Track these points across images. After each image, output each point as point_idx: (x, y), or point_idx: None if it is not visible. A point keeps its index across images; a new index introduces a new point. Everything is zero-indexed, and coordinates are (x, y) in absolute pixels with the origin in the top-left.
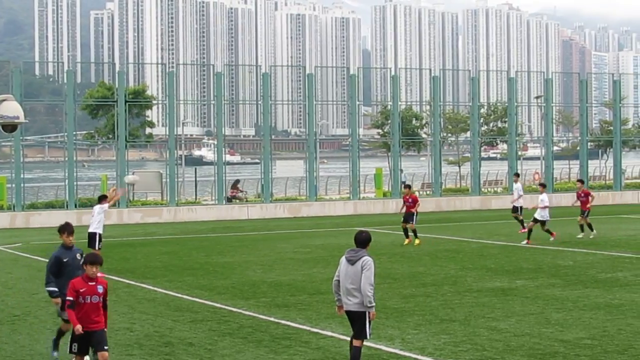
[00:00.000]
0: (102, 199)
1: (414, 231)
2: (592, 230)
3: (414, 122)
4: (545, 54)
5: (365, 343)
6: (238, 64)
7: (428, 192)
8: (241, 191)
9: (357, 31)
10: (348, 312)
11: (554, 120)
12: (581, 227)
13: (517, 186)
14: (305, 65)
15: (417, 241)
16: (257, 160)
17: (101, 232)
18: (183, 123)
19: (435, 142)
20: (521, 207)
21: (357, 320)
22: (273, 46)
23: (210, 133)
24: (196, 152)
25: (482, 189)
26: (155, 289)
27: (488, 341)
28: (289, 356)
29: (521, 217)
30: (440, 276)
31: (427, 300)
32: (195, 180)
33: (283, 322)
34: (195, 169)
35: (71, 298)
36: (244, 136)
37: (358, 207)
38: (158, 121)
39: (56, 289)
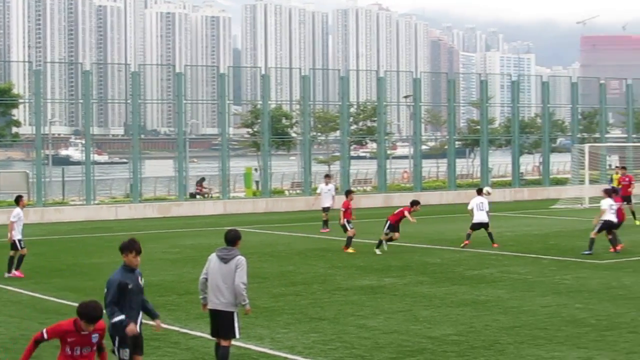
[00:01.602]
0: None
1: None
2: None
3: (283, 121)
4: (414, 53)
5: (234, 342)
6: (107, 62)
7: (298, 192)
8: (205, 188)
9: (228, 30)
10: (215, 311)
11: (422, 120)
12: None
13: (330, 187)
14: (175, 64)
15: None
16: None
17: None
18: (50, 122)
19: (305, 141)
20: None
21: (224, 320)
22: (142, 44)
23: (79, 132)
24: (63, 152)
25: (352, 188)
26: (22, 291)
27: (357, 339)
28: (157, 357)
29: (325, 218)
30: (309, 275)
31: (297, 299)
32: (63, 180)
33: (151, 322)
34: (63, 168)
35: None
36: (113, 135)
37: (228, 207)
38: (25, 120)
39: (124, 317)
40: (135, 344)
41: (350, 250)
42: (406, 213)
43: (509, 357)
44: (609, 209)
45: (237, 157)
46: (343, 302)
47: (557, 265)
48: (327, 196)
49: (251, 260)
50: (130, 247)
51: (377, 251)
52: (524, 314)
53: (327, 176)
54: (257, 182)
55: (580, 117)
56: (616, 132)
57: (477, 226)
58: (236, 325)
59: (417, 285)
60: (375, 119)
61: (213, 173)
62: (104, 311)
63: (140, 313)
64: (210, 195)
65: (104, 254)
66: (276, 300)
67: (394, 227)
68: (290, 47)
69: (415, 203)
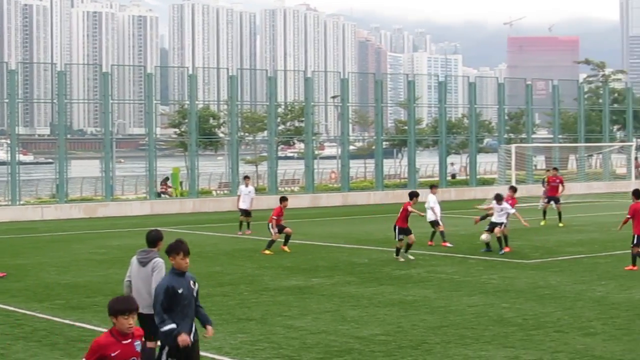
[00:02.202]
0: None
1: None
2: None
3: (211, 121)
4: (342, 54)
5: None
6: (33, 61)
7: (225, 192)
8: (170, 187)
9: (155, 29)
10: (139, 314)
11: (350, 120)
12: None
13: (250, 189)
14: (101, 63)
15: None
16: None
17: None
18: None
19: (232, 141)
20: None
21: (148, 323)
22: (69, 44)
23: (4, 132)
24: None
25: (279, 188)
26: None
27: (285, 339)
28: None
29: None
30: (237, 275)
31: (224, 299)
32: None
33: (78, 324)
34: None
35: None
36: (39, 135)
37: (155, 207)
38: None
39: (175, 325)
40: (188, 355)
41: (267, 252)
42: (410, 208)
43: (436, 356)
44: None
45: (164, 157)
46: (271, 303)
47: (484, 265)
48: (246, 199)
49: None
50: (178, 248)
51: (404, 258)
52: (451, 313)
53: (247, 178)
54: (181, 182)
55: (507, 117)
56: (542, 133)
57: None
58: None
59: (345, 285)
60: (303, 119)
61: (140, 173)
62: (155, 319)
63: (194, 322)
64: (176, 194)
65: (30, 255)
66: (203, 301)
67: (405, 231)
68: (217, 47)
69: (413, 195)
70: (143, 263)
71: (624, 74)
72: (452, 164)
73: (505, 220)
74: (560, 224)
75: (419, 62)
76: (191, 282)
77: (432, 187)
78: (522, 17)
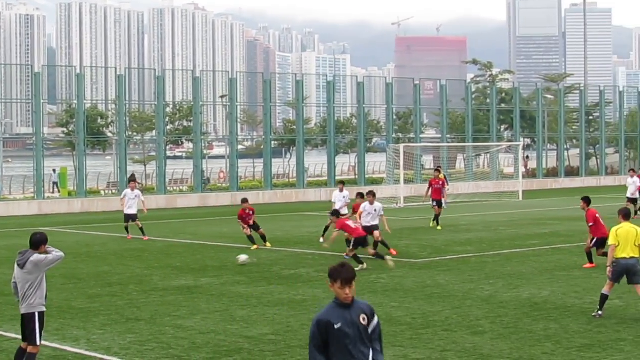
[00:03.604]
0: None
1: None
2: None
3: (99, 120)
4: (231, 53)
5: (49, 344)
6: None
7: (114, 192)
8: (139, 183)
9: (42, 28)
10: (21, 315)
11: (238, 120)
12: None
13: (137, 192)
14: None
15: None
16: None
17: None
18: None
19: (120, 141)
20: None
21: (26, 325)
22: None
23: None
24: None
25: (168, 188)
26: None
27: (174, 339)
28: None
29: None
30: (126, 275)
31: (113, 299)
32: None
33: None
34: None
35: None
36: None
37: (43, 207)
38: None
39: None
40: None
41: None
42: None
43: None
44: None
45: (52, 157)
46: (160, 303)
47: (372, 264)
48: (133, 203)
49: (67, 261)
50: (335, 274)
51: (389, 261)
52: None
53: (132, 181)
54: (55, 183)
55: (395, 117)
56: (431, 133)
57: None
58: (36, 330)
59: (234, 285)
60: (192, 118)
61: (28, 173)
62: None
63: None
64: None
65: None
66: (92, 301)
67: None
68: (105, 46)
69: (363, 195)
70: (20, 265)
71: (511, 74)
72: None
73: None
74: (439, 227)
75: (308, 62)
76: (361, 317)
77: (341, 183)
78: (410, 17)
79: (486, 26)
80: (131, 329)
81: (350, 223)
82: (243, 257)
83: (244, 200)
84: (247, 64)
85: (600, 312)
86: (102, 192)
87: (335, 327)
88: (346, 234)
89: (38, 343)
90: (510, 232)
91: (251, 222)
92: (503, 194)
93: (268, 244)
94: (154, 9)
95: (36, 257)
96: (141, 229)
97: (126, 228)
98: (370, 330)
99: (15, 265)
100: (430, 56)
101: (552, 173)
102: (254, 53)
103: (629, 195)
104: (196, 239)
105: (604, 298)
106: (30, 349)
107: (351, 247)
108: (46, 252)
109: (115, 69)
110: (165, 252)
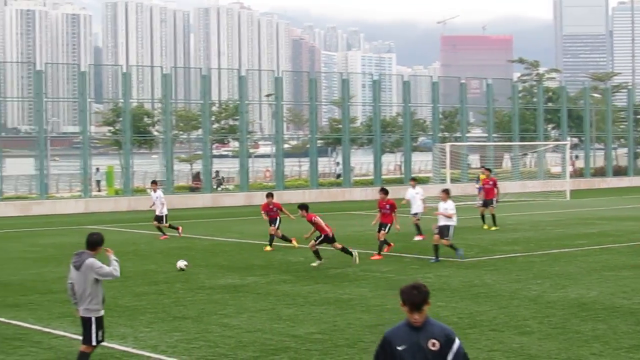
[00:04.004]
0: None
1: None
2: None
3: (145, 119)
4: (276, 52)
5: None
6: None
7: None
8: (200, 180)
9: (89, 28)
10: (80, 317)
11: (284, 118)
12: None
13: (159, 193)
14: (35, 61)
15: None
16: None
17: None
18: None
19: (166, 139)
20: (166, 215)
21: (84, 326)
22: (2, 42)
23: None
24: None
25: (214, 186)
26: None
27: (220, 337)
28: (19, 357)
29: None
30: (172, 274)
31: (160, 297)
32: None
33: (14, 322)
34: None
35: None
36: None
37: (90, 205)
38: None
39: None
40: None
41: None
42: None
43: (371, 355)
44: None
45: (98, 156)
46: (206, 301)
47: (419, 263)
48: (157, 204)
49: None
50: (405, 296)
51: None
52: (386, 312)
53: (154, 182)
54: (98, 181)
55: (441, 116)
56: (477, 132)
57: None
58: (93, 331)
59: (280, 283)
60: (237, 117)
61: (75, 171)
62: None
63: None
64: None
65: None
66: (139, 299)
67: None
68: (151, 45)
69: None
70: (76, 266)
71: (558, 72)
72: (337, 163)
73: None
74: (486, 227)
75: (353, 61)
76: (430, 342)
77: (412, 180)
78: (455, 16)
79: (532, 25)
80: (178, 327)
81: (319, 219)
82: (180, 263)
83: (269, 195)
84: (293, 62)
85: None
86: (148, 191)
87: (398, 348)
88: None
89: (93, 343)
90: (558, 231)
91: (277, 218)
92: (550, 194)
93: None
94: (199, 7)
95: (92, 261)
96: (159, 227)
97: (158, 228)
98: (449, 358)
99: (71, 266)
100: (476, 55)
101: (600, 172)
102: (299, 52)
103: None
104: (242, 237)
105: None
106: (83, 347)
107: (316, 242)
108: (106, 251)
109: (161, 67)
110: (212, 250)
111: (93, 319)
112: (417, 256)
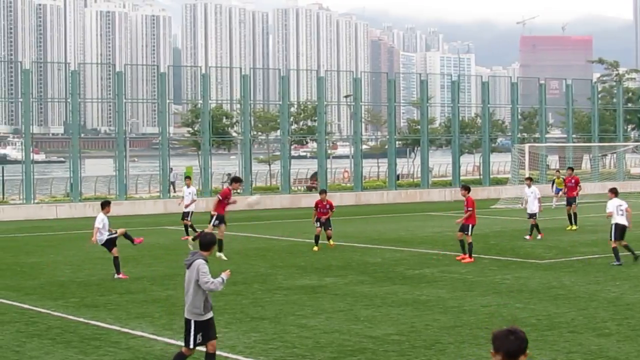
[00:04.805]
0: None
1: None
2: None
3: (224, 120)
4: (355, 53)
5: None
6: (47, 61)
7: (239, 191)
8: (317, 181)
9: (168, 29)
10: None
11: (362, 119)
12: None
13: (192, 190)
14: (115, 62)
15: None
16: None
17: None
18: None
19: (245, 140)
20: (192, 213)
21: (185, 326)
22: (82, 43)
23: (18, 131)
24: (0, 151)
25: (292, 187)
26: None
27: (298, 338)
28: (98, 357)
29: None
30: (250, 274)
31: (237, 298)
32: (2, 179)
33: (92, 322)
34: (2, 167)
35: None
36: (53, 134)
37: (168, 206)
38: None
39: None
40: None
41: (315, 248)
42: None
43: (449, 356)
44: (616, 210)
45: (177, 156)
46: (283, 302)
47: (497, 265)
48: (187, 200)
49: None
50: (499, 343)
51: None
52: (464, 313)
53: (188, 178)
54: (172, 182)
55: (520, 117)
56: (556, 132)
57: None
58: (191, 333)
59: (358, 284)
60: (316, 118)
61: (154, 172)
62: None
63: None
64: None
65: (44, 253)
66: (216, 299)
67: (222, 218)
68: (230, 46)
69: (234, 180)
70: (187, 265)
71: (638, 73)
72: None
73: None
74: (575, 227)
75: (432, 62)
76: None
77: (528, 179)
78: (534, 16)
79: (612, 25)
80: (255, 328)
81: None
82: (252, 199)
83: (323, 192)
84: (371, 63)
85: None
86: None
87: None
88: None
89: (191, 346)
90: (638, 233)
91: (326, 217)
92: (630, 195)
93: (331, 242)
94: (278, 9)
95: (200, 263)
96: (188, 226)
97: (185, 227)
98: None
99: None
100: (556, 55)
101: None
102: (377, 53)
103: None
104: (321, 238)
105: None
106: (184, 349)
107: (215, 223)
108: (217, 251)
109: (240, 69)
110: (290, 251)
111: (192, 322)
112: (496, 257)
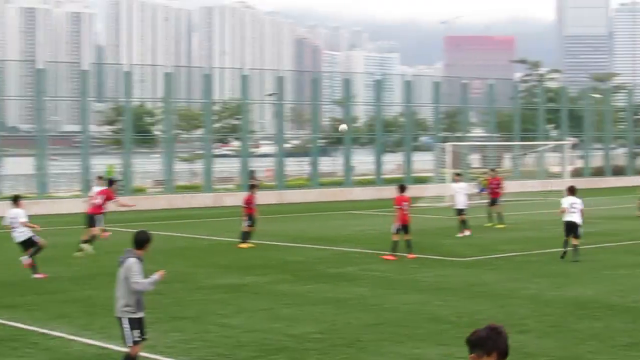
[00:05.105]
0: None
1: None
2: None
3: (146, 118)
4: (279, 52)
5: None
6: None
7: (160, 190)
8: (258, 180)
9: (91, 26)
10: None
11: (286, 118)
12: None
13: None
14: (36, 60)
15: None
16: None
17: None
18: None
19: (168, 139)
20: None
21: (119, 326)
22: (3, 40)
23: None
24: None
25: (215, 186)
26: None
27: (219, 337)
28: (16, 358)
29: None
30: (171, 274)
31: (158, 298)
32: None
33: (10, 323)
34: None
35: None
36: None
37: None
38: None
39: None
40: None
41: (245, 245)
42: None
43: (370, 354)
44: (569, 208)
45: (99, 155)
46: (205, 301)
47: (418, 263)
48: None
49: (112, 259)
50: (490, 343)
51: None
52: (385, 311)
53: (100, 177)
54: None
55: (442, 116)
56: (478, 131)
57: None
58: (125, 331)
59: (279, 283)
60: (239, 117)
61: (75, 171)
62: None
63: None
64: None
65: None
66: None
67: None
68: (154, 44)
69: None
70: (120, 263)
71: (559, 73)
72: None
73: None
74: (503, 225)
75: (356, 61)
76: None
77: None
78: (458, 16)
79: (535, 26)
80: (176, 327)
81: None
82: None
83: (254, 187)
84: (296, 62)
85: None
86: (148, 190)
87: None
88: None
89: (130, 344)
90: (557, 231)
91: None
92: (550, 193)
93: (244, 245)
94: (202, 6)
95: (131, 263)
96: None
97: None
98: None
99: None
100: (479, 55)
101: (599, 172)
102: (302, 51)
103: None
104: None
105: None
106: (130, 350)
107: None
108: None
109: (164, 67)
110: (211, 250)
111: (126, 320)
112: (417, 255)
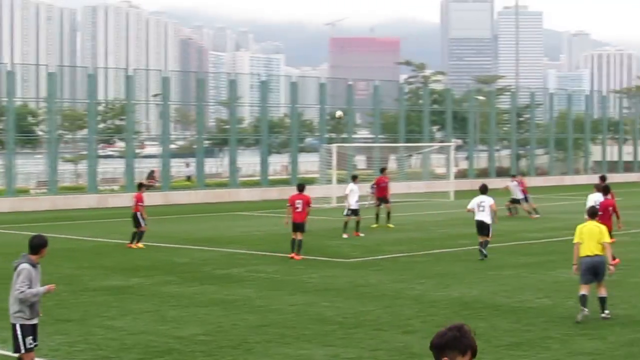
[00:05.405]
0: None
1: None
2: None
3: (29, 119)
4: (164, 52)
5: None
6: None
7: (44, 191)
8: (157, 181)
9: None
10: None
11: (171, 119)
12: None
13: None
14: None
15: None
16: None
17: None
18: None
19: (51, 139)
20: None
21: (12, 332)
22: None
23: None
24: None
25: (99, 187)
26: None
27: (104, 340)
28: None
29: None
30: (55, 276)
31: (42, 299)
32: None
33: None
34: None
35: None
36: None
37: None
38: None
39: None
40: None
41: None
42: None
43: (256, 355)
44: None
45: None
46: (89, 303)
47: (304, 264)
48: None
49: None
50: (458, 344)
51: None
52: (271, 312)
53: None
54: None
55: (328, 117)
56: (363, 133)
57: None
58: (17, 338)
59: (165, 285)
60: (124, 117)
61: None
62: None
63: None
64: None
65: None
66: None
67: None
68: (37, 43)
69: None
70: (14, 268)
71: (444, 75)
72: (187, 164)
73: None
74: (390, 225)
75: (241, 61)
76: None
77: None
78: (344, 18)
79: (420, 28)
80: (60, 330)
81: None
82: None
83: (142, 186)
84: (181, 63)
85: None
86: (32, 192)
87: None
88: None
89: (22, 351)
90: (441, 231)
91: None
92: (435, 194)
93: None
94: (86, 6)
95: (21, 269)
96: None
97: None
98: None
99: None
100: (364, 57)
101: (483, 173)
102: (187, 52)
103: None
104: (127, 238)
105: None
106: (18, 356)
107: None
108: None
109: (47, 66)
110: (96, 252)
111: (18, 326)
112: (303, 257)
